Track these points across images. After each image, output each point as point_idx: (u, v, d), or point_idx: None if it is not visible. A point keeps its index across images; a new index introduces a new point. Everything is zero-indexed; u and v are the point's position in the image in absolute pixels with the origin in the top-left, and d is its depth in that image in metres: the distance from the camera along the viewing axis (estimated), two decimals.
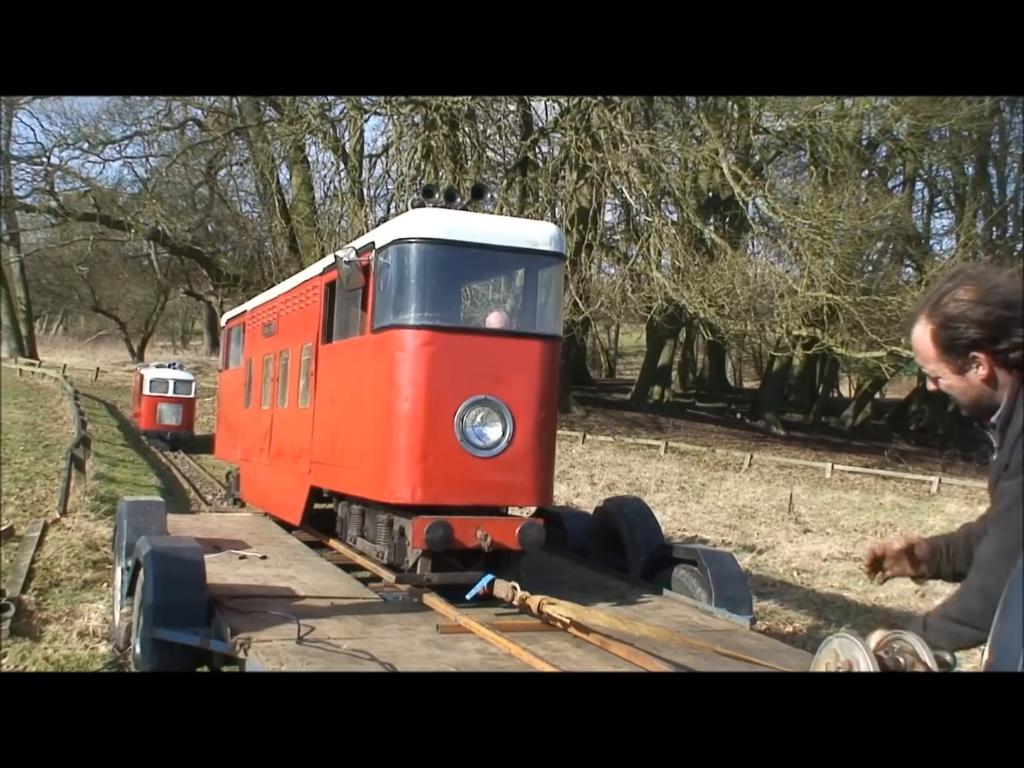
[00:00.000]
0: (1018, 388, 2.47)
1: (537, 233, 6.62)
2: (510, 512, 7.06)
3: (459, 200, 6.93)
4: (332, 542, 8.18)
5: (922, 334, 2.53)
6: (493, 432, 6.24)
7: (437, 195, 6.78)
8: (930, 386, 2.64)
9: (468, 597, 6.03)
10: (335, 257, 6.91)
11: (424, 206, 6.64)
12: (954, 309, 2.46)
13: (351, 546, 7.65)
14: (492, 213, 23.60)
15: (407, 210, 6.76)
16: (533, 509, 7.91)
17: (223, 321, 13.04)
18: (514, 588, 5.90)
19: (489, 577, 6.13)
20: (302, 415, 8.17)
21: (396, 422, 6.22)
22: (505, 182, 31.04)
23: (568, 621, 5.51)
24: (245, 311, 11.35)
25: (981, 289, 2.47)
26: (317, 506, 8.23)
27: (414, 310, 6.25)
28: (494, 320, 6.81)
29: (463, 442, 6.16)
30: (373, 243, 6.67)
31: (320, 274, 7.89)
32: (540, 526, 6.32)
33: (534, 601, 5.67)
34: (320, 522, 8.41)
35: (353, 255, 6.66)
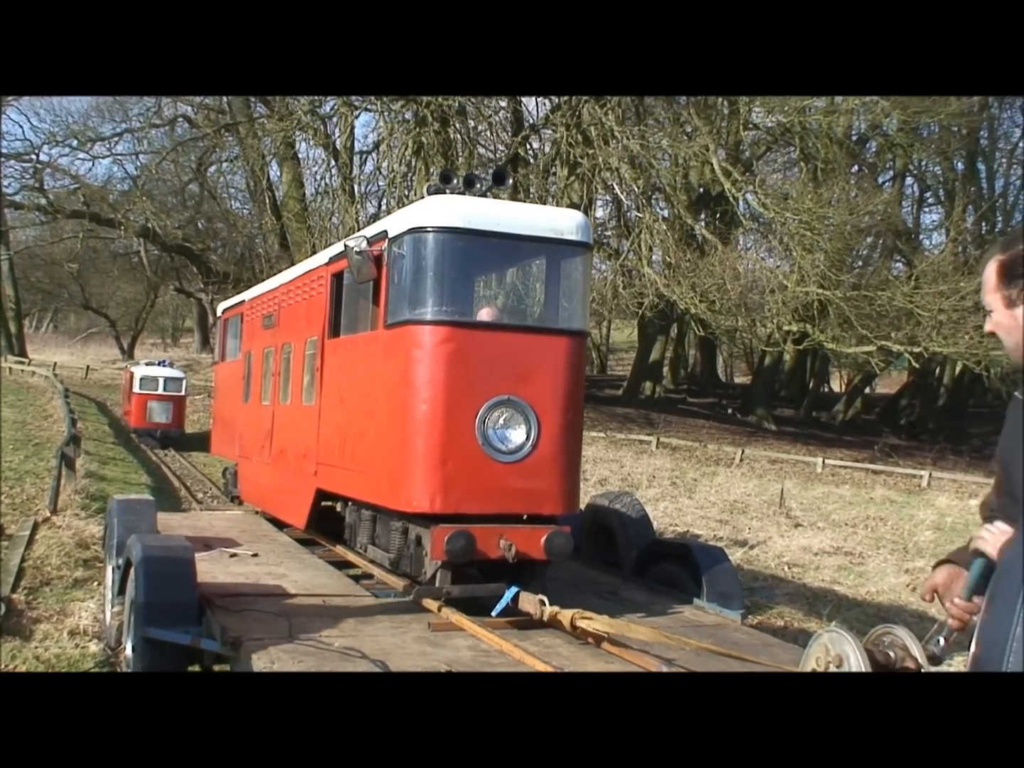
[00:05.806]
0: None
1: (563, 221, 6.20)
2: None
3: (479, 186, 6.52)
4: (339, 548, 7.85)
5: (990, 267, 2.62)
6: (517, 435, 5.82)
7: (456, 180, 6.38)
8: (986, 327, 2.71)
9: (494, 614, 5.68)
10: (344, 246, 6.47)
11: (442, 192, 6.22)
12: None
13: (361, 554, 7.30)
14: None
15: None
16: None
17: (219, 311, 12.67)
18: (542, 602, 5.54)
19: (514, 590, 5.76)
20: (307, 413, 7.80)
21: (412, 425, 5.80)
22: None
23: (606, 636, 5.21)
24: (243, 301, 10.96)
25: None
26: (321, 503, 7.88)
27: (431, 304, 5.83)
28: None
29: (485, 446, 5.75)
30: (386, 232, 6.25)
31: (326, 263, 7.52)
32: (567, 534, 5.89)
33: (566, 616, 5.32)
34: (324, 524, 8.07)
35: (364, 244, 6.22)
